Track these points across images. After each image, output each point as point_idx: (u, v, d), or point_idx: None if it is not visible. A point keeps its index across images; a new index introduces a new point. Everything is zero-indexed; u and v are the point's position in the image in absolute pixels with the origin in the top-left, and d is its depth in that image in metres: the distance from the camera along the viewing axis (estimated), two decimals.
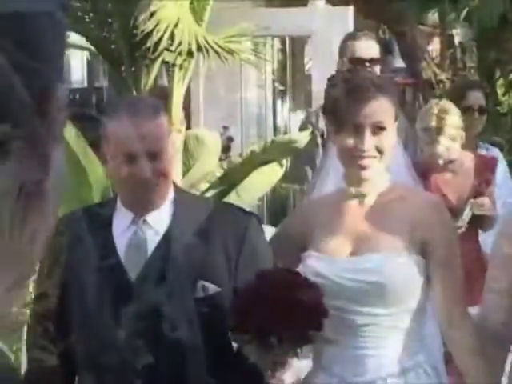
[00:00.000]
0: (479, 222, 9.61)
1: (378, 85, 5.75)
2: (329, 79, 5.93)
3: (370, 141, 5.45)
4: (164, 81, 9.95)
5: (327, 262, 5.61)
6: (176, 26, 9.41)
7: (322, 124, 10.75)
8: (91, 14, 9.47)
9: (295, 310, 5.11)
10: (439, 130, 9.48)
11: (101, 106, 15.39)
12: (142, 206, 5.11)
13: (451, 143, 9.47)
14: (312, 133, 10.86)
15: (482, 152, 10.21)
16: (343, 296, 5.35)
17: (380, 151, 5.54)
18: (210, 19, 10.20)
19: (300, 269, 5.69)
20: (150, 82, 10.01)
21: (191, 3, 9.67)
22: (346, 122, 5.52)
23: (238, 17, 11.94)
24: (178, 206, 5.24)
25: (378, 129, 5.49)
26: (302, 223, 5.76)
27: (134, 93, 9.87)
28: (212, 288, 5.18)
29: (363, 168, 5.54)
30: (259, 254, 5.39)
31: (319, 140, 10.72)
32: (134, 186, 5.07)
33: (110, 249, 5.04)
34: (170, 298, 5.06)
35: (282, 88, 17.35)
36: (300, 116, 12.77)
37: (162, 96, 10.26)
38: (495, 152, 11.09)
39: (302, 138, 10.99)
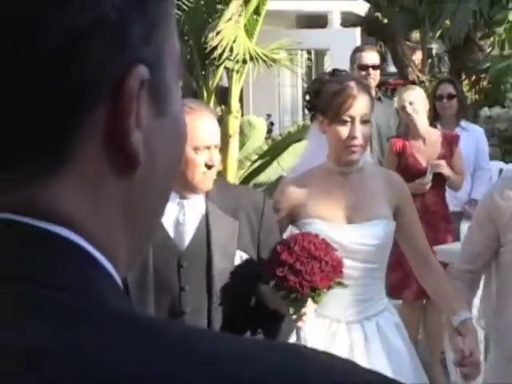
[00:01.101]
0: (442, 179, 9.28)
1: (362, 85, 5.53)
2: (316, 81, 5.65)
3: (359, 130, 5.15)
4: (225, 82, 9.74)
5: (336, 228, 5.22)
6: (234, 41, 9.40)
7: None
8: None
9: (326, 265, 4.73)
10: (405, 107, 9.23)
11: None
12: (191, 189, 4.73)
13: (416, 115, 9.20)
14: None
15: (459, 130, 10.04)
16: (349, 255, 5.01)
17: (365, 139, 5.28)
18: (258, 36, 10.11)
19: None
20: (216, 82, 9.89)
21: (245, 25, 9.61)
22: (340, 115, 5.17)
23: (277, 35, 11.87)
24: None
25: (364, 121, 5.22)
26: (293, 196, 5.30)
27: (204, 91, 9.68)
28: (245, 256, 4.81)
29: (353, 152, 5.23)
30: (273, 225, 5.04)
31: None
32: (197, 173, 4.66)
33: (159, 226, 4.37)
34: (215, 266, 4.72)
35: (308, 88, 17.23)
36: None
37: (223, 93, 10.09)
38: (476, 130, 10.88)
39: None
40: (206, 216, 4.81)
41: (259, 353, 1.05)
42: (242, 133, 10.67)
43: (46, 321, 0.99)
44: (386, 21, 21.45)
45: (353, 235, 5.23)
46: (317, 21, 16.84)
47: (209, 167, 4.72)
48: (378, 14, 20.82)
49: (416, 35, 21.34)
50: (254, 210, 4.98)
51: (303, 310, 4.83)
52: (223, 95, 9.98)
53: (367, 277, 5.45)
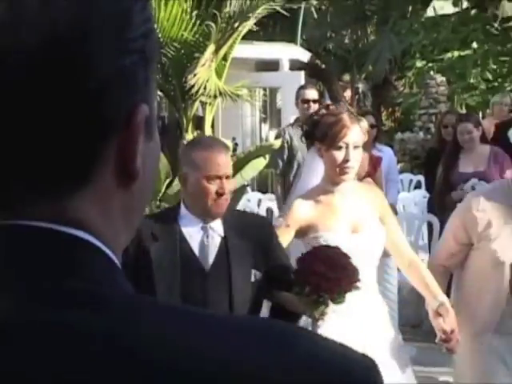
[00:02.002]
0: None
1: (353, 116, 5.25)
2: (312, 116, 5.30)
3: (352, 154, 4.93)
4: (200, 112, 9.65)
5: (344, 238, 4.95)
6: (207, 81, 9.28)
7: (287, 136, 10.58)
8: (160, 75, 9.27)
9: (343, 273, 4.54)
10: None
11: (163, 127, 15.01)
12: (206, 214, 4.43)
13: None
14: (282, 141, 10.74)
15: (375, 151, 9.88)
16: (357, 261, 4.71)
17: (357, 162, 5.03)
18: (225, 77, 10.04)
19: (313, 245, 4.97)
20: (193, 112, 9.82)
21: (216, 69, 9.52)
22: (336, 142, 4.95)
23: (240, 76, 11.79)
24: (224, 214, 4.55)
25: (355, 146, 4.99)
26: (302, 213, 5.01)
27: (184, 119, 9.62)
28: (258, 274, 4.56)
29: (347, 173, 4.99)
30: (279, 245, 4.75)
31: (285, 145, 10.59)
32: (210, 200, 4.37)
33: (186, 246, 4.44)
34: (234, 282, 4.49)
35: (264, 116, 17.07)
36: (274, 131, 12.71)
37: (199, 120, 10.00)
38: (387, 151, 10.77)
39: (276, 144, 10.88)
40: (225, 238, 4.49)
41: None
42: None
43: (85, 308, 1.03)
44: (323, 66, 21.48)
45: (359, 243, 4.94)
46: (271, 65, 16.82)
47: (220, 195, 4.38)
48: (318, 61, 20.82)
49: (346, 77, 21.35)
50: (263, 233, 4.65)
51: (325, 311, 4.61)
52: (199, 122, 9.89)
53: (370, 277, 5.18)
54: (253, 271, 4.57)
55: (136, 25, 1.10)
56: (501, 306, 5.04)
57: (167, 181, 10.94)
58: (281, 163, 10.99)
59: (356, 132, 5.06)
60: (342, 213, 5.08)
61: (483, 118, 15.26)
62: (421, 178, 13.04)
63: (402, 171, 14.20)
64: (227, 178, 4.43)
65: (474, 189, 8.71)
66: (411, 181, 14.04)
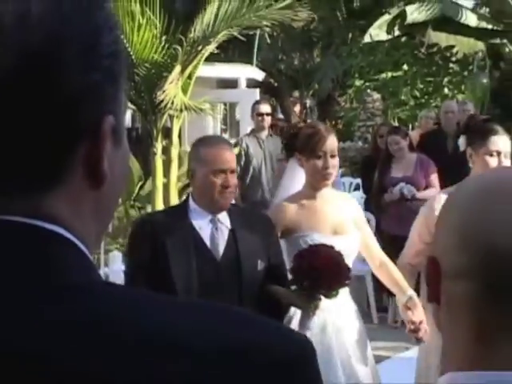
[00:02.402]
0: None
1: (328, 128, 5.24)
2: (290, 130, 5.26)
3: (330, 162, 4.84)
4: (168, 123, 9.60)
5: (327, 239, 4.75)
6: (175, 97, 9.24)
7: (244, 144, 10.54)
8: (133, 91, 9.19)
9: (340, 270, 4.41)
10: None
11: (137, 137, 14.88)
12: (213, 207, 4.27)
13: None
14: (239, 149, 10.66)
15: None
16: None
17: (334, 168, 4.93)
18: (190, 93, 10.01)
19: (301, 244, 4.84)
20: (162, 124, 9.78)
21: (182, 86, 9.47)
22: (316, 152, 4.85)
23: (204, 93, 11.74)
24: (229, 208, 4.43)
25: (332, 155, 4.89)
26: (287, 215, 4.88)
27: (154, 130, 9.59)
28: (262, 264, 4.37)
29: (327, 179, 4.90)
30: (278, 241, 4.64)
31: (242, 152, 10.54)
32: (216, 193, 4.20)
33: (198, 238, 4.24)
34: (243, 269, 4.32)
35: (224, 127, 17.02)
36: (233, 140, 12.65)
37: (167, 131, 9.96)
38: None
39: (235, 151, 10.80)
40: (233, 230, 4.35)
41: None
42: (179, 158, 10.55)
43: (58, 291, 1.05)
44: (276, 84, 21.48)
45: (339, 245, 4.67)
46: (230, 83, 16.78)
47: (225, 187, 4.23)
48: (271, 80, 20.82)
49: (296, 94, 21.34)
50: (267, 229, 4.52)
51: (319, 305, 4.48)
52: (167, 133, 9.86)
53: None
54: (258, 261, 4.40)
55: (104, 45, 1.09)
56: None
57: (140, 183, 10.92)
58: (238, 168, 10.95)
59: (332, 141, 4.95)
60: (324, 216, 4.96)
61: (412, 129, 15.30)
62: (359, 180, 13.10)
63: (343, 175, 14.26)
64: (232, 172, 4.31)
65: (401, 191, 8.99)
66: (351, 183, 14.12)
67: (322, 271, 4.32)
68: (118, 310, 1.06)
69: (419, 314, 4.86)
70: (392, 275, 5.11)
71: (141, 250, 4.27)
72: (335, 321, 4.99)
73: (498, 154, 4.94)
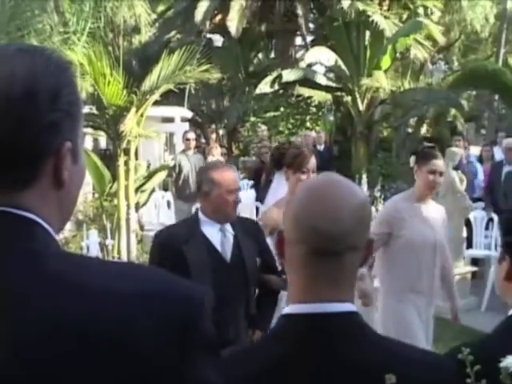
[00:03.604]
0: None
1: (311, 151, 4.70)
2: (278, 150, 4.68)
3: (312, 177, 4.29)
4: (130, 146, 9.45)
5: None
6: (132, 129, 9.13)
7: (177, 159, 10.45)
8: (105, 125, 9.07)
9: None
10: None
11: (110, 155, 14.62)
12: (225, 219, 3.77)
13: None
14: (174, 162, 10.57)
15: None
16: None
17: None
18: (143, 126, 9.87)
19: None
20: (123, 146, 9.64)
21: (137, 121, 9.35)
22: (301, 168, 4.35)
23: (152, 126, 11.61)
24: None
25: (313, 171, 4.39)
26: (276, 217, 4.25)
27: (118, 149, 9.45)
28: (259, 260, 3.88)
29: None
30: (266, 241, 4.07)
31: (177, 164, 10.46)
32: (230, 208, 3.73)
33: (210, 245, 3.71)
34: (248, 268, 3.78)
35: (166, 148, 16.87)
36: (171, 157, 12.58)
37: (128, 150, 9.77)
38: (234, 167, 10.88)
39: (171, 163, 10.73)
40: (236, 236, 3.83)
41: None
42: (135, 168, 10.43)
43: (26, 258, 1.04)
44: (200, 120, 21.41)
45: None
46: (169, 119, 16.70)
47: (236, 203, 3.76)
48: (197, 117, 20.75)
49: (213, 126, 21.26)
50: (259, 233, 4.01)
51: None
52: (127, 152, 9.72)
53: None
54: (257, 259, 3.92)
55: (64, 96, 1.10)
56: (413, 272, 4.60)
57: (109, 184, 10.76)
58: (174, 174, 10.94)
59: (313, 161, 4.48)
60: None
61: None
62: (252, 182, 13.11)
63: (243, 178, 14.20)
64: (238, 191, 3.81)
65: None
66: (248, 184, 14.10)
67: None
68: (66, 268, 1.05)
69: (367, 284, 4.43)
70: None
71: (161, 258, 3.64)
72: None
73: (436, 172, 4.60)
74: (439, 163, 4.63)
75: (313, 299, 1.30)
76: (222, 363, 1.09)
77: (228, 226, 3.85)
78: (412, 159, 4.86)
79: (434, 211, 4.77)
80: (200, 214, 3.80)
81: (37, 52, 1.12)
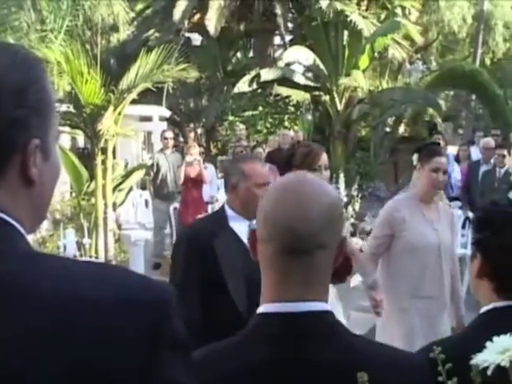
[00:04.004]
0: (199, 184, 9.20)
1: (321, 148, 4.39)
2: (289, 150, 4.27)
3: (324, 174, 4.01)
4: (108, 145, 9.40)
5: None
6: (109, 127, 9.10)
7: (155, 158, 10.43)
8: (83, 124, 9.01)
9: (349, 261, 3.68)
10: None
11: (88, 154, 14.50)
12: (254, 214, 3.16)
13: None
14: (152, 161, 10.52)
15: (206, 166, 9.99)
16: None
17: (327, 179, 4.10)
18: (120, 125, 9.79)
19: None
20: (101, 145, 9.59)
21: (115, 120, 9.30)
22: (313, 166, 4.00)
23: (129, 124, 11.54)
24: None
25: (325, 168, 4.08)
26: None
27: (96, 148, 9.41)
28: None
29: None
30: None
31: (154, 163, 10.42)
32: (258, 203, 3.45)
33: (239, 240, 3.31)
34: None
35: (144, 147, 16.79)
36: (149, 155, 12.53)
37: (104, 150, 9.72)
38: (211, 166, 10.96)
39: (149, 162, 10.69)
40: None
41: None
42: (112, 167, 10.37)
43: None
44: (178, 119, 21.36)
45: None
46: (148, 118, 16.64)
47: None
48: (175, 116, 20.69)
49: (191, 125, 21.21)
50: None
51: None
52: (104, 151, 9.68)
53: None
54: None
55: (31, 92, 1.08)
56: (415, 277, 4.33)
57: (87, 183, 10.69)
58: (151, 173, 10.90)
59: (325, 157, 4.21)
60: None
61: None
62: None
63: (221, 177, 14.20)
64: (267, 184, 3.41)
65: None
66: None
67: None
68: (19, 269, 1.01)
69: (380, 294, 4.28)
70: (359, 262, 4.32)
71: (190, 255, 3.34)
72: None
73: (439, 169, 4.32)
74: (442, 160, 4.37)
75: (285, 298, 1.30)
76: (194, 364, 1.08)
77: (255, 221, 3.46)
78: (415, 157, 4.59)
79: (439, 213, 4.48)
80: (227, 209, 3.51)
81: (3, 48, 1.11)
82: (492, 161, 9.58)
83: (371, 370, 1.15)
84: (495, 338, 1.08)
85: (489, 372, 1.06)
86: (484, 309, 1.77)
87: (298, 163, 4.15)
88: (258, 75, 17.36)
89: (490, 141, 10.42)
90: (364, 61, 17.58)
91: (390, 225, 4.38)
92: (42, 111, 1.10)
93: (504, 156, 9.27)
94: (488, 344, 1.09)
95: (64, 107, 9.64)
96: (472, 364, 1.08)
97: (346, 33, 17.62)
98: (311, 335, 1.28)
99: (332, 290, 4.00)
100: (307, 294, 1.32)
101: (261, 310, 1.36)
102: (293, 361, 1.27)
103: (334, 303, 4.29)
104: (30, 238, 1.11)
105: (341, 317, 4.44)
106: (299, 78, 17.68)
